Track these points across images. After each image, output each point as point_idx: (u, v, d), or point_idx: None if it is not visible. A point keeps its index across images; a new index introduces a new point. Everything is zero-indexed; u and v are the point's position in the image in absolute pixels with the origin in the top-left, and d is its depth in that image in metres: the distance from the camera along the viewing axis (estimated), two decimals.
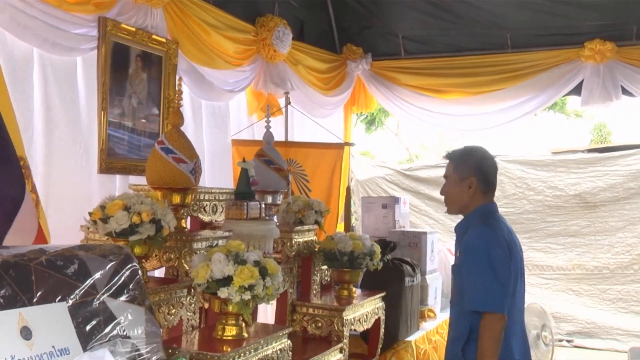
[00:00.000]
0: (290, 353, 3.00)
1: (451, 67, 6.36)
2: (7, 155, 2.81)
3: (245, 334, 2.79)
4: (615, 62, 5.74)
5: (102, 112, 3.67)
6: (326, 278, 4.15)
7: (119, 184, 3.96)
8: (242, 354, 2.64)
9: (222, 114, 5.18)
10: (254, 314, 3.40)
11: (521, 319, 3.09)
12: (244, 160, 3.47)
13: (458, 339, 2.90)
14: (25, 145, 3.27)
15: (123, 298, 2.00)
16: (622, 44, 5.71)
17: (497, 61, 6.17)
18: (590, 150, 8.18)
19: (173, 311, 2.80)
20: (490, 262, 2.81)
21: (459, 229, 3.07)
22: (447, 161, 3.14)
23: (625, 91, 5.78)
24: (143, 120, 4.02)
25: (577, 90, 5.99)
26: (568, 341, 7.31)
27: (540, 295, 7.36)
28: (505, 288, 2.84)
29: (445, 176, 3.11)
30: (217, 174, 4.96)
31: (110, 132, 3.74)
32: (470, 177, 2.99)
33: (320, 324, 3.65)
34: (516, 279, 2.96)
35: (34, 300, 1.72)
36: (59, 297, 1.79)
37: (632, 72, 5.68)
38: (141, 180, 3.83)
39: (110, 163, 3.74)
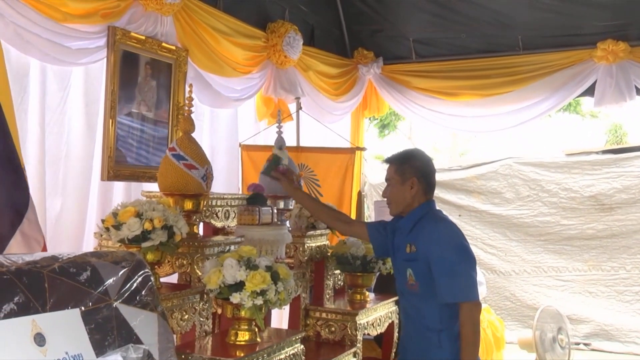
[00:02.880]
0: (303, 358, 3.01)
1: (462, 69, 6.33)
2: (14, 164, 2.85)
3: (258, 339, 2.80)
4: (628, 62, 5.69)
5: (111, 120, 3.69)
6: (339, 282, 4.15)
7: (124, 191, 3.99)
8: (255, 359, 2.65)
9: (229, 119, 5.20)
10: (267, 319, 3.41)
11: None
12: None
13: (431, 329, 2.97)
14: (21, 152, 3.32)
15: (135, 304, 2.01)
16: (635, 44, 5.66)
17: (508, 63, 6.14)
18: (604, 152, 8.12)
19: (186, 317, 2.81)
20: (462, 254, 2.95)
21: (403, 226, 3.15)
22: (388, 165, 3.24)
23: (639, 91, 5.74)
24: (152, 127, 4.04)
25: (590, 91, 5.94)
26: (585, 344, 7.25)
27: (556, 297, 7.31)
28: (476, 276, 2.98)
29: (386, 179, 3.21)
30: (225, 179, 4.98)
31: (118, 139, 3.76)
32: (412, 178, 3.10)
33: (333, 329, 3.65)
34: None
35: (47, 307, 1.73)
36: (72, 304, 1.81)
37: None
38: (144, 187, 3.87)
39: (118, 170, 3.76)
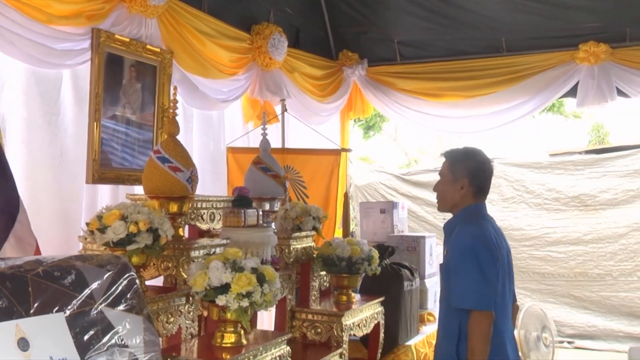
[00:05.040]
0: (289, 359, 3.01)
1: (447, 70, 6.37)
2: (3, 168, 2.83)
3: (244, 341, 2.80)
4: (609, 64, 5.75)
5: (95, 123, 3.67)
6: (325, 284, 4.16)
7: (108, 194, 3.98)
8: None
9: (216, 122, 5.20)
10: (253, 320, 3.41)
11: (511, 322, 3.13)
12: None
13: (449, 338, 2.93)
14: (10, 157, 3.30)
15: (121, 307, 2.01)
16: (616, 46, 5.72)
17: (492, 64, 6.18)
18: (587, 152, 8.18)
19: (172, 319, 2.81)
20: (477, 260, 2.85)
21: (447, 228, 3.12)
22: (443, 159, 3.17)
23: (620, 92, 5.79)
24: (137, 130, 4.03)
25: (572, 92, 5.99)
26: (569, 342, 7.30)
27: (540, 301, 7.33)
28: (492, 286, 2.87)
29: (439, 174, 3.14)
30: (210, 181, 4.97)
31: (103, 142, 3.75)
32: (463, 179, 3.02)
33: (319, 330, 3.66)
34: (503, 280, 3.00)
35: (31, 311, 1.73)
36: (57, 308, 1.80)
37: (627, 73, 5.69)
38: (133, 189, 3.86)
39: (103, 173, 3.75)
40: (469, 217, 3.02)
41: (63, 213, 3.73)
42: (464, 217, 3.02)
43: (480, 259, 2.85)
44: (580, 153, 8.03)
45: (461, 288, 2.85)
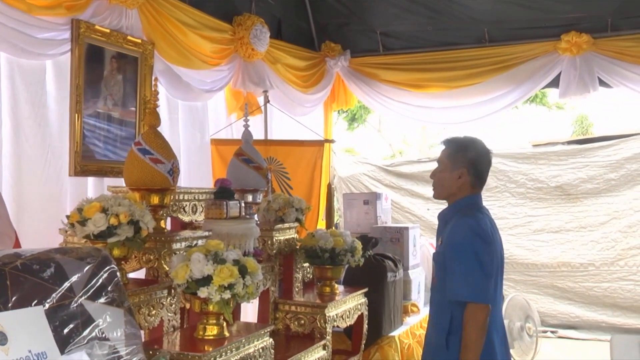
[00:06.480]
0: (272, 351, 3.00)
1: (429, 62, 6.38)
2: None
3: (227, 333, 2.79)
4: (591, 54, 5.78)
5: (77, 115, 3.64)
6: (308, 275, 4.16)
7: (93, 186, 3.95)
8: (223, 353, 2.64)
9: (200, 114, 5.18)
10: (236, 312, 3.40)
11: (501, 315, 3.13)
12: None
13: (440, 328, 2.93)
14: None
15: (101, 300, 1.99)
16: (597, 36, 5.75)
17: (475, 55, 6.20)
18: (570, 142, 8.24)
19: (153, 312, 2.79)
20: (475, 253, 2.84)
21: (442, 217, 3.11)
22: (442, 149, 3.13)
23: (602, 82, 5.83)
24: (119, 122, 3.99)
25: (555, 83, 6.03)
26: (552, 332, 7.36)
27: (524, 292, 7.37)
28: (489, 279, 2.87)
29: (438, 161, 3.11)
30: (195, 173, 4.96)
31: (85, 134, 3.72)
32: (462, 169, 3.00)
33: (303, 322, 3.65)
34: (496, 274, 2.99)
35: (9, 305, 1.71)
36: (36, 301, 1.78)
37: (608, 64, 5.73)
38: (117, 182, 3.83)
39: (86, 165, 3.72)
40: (466, 209, 2.99)
41: (50, 205, 3.70)
42: (461, 209, 3.00)
43: (479, 252, 2.85)
44: (563, 144, 8.09)
45: (458, 281, 2.83)
